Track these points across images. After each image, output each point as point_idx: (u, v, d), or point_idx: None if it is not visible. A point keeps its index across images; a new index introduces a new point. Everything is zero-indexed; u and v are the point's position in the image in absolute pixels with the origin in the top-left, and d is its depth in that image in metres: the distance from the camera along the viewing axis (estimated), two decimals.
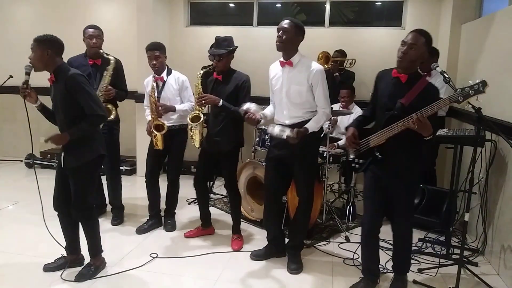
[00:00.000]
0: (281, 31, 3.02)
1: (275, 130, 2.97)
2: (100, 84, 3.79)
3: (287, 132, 2.92)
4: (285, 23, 3.02)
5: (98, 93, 3.74)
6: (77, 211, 2.98)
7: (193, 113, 3.48)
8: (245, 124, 3.61)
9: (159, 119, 3.69)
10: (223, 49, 3.38)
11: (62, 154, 2.94)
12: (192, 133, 3.54)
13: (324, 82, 3.09)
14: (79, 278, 2.98)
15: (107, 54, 3.91)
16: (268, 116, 3.29)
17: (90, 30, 3.86)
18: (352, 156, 2.84)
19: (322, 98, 3.09)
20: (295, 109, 3.13)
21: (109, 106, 3.78)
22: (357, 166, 2.84)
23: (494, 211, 3.42)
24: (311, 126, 3.06)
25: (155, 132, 3.71)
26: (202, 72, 3.47)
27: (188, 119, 3.49)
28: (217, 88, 3.45)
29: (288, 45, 3.04)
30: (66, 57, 3.95)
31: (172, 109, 3.73)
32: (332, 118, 4.40)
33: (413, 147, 2.66)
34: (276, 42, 3.04)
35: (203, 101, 3.38)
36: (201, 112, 3.49)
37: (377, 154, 2.73)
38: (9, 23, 6.52)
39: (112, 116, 3.76)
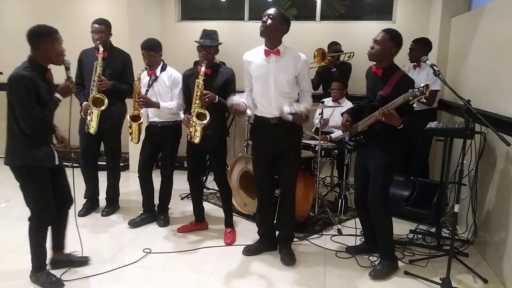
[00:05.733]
0: (266, 17, 3.05)
1: (287, 109, 2.96)
2: (93, 75, 3.78)
3: (300, 108, 2.96)
4: (271, 10, 3.06)
5: (92, 83, 3.76)
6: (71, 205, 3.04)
7: (198, 110, 3.36)
8: (237, 118, 3.63)
9: (139, 110, 3.71)
10: (215, 41, 3.43)
11: (55, 151, 2.87)
12: (195, 130, 3.41)
13: (309, 70, 3.24)
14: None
15: (112, 47, 4.02)
16: (247, 104, 3.24)
17: (94, 25, 3.91)
18: (347, 138, 3.25)
19: (308, 83, 3.25)
20: (282, 99, 3.12)
21: (100, 96, 3.71)
22: (349, 147, 3.24)
23: (484, 202, 3.46)
24: (307, 106, 3.11)
25: (131, 122, 3.72)
26: (203, 69, 3.42)
27: (194, 117, 3.36)
28: (206, 83, 3.41)
29: (272, 31, 3.05)
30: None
31: (156, 105, 3.70)
32: (324, 118, 4.42)
33: (390, 133, 2.95)
34: (260, 27, 3.06)
35: (206, 99, 3.34)
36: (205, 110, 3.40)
37: (361, 137, 3.11)
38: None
39: (103, 107, 3.70)
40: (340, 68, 5.21)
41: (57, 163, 2.86)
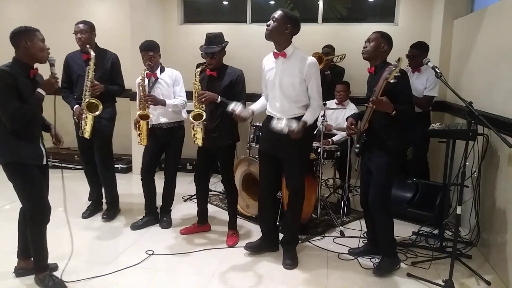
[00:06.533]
0: (270, 20, 3.06)
1: (280, 124, 2.94)
2: (85, 80, 3.77)
3: (292, 126, 2.93)
4: (276, 13, 3.06)
5: (85, 88, 3.74)
6: None
7: (194, 111, 3.40)
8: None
9: (145, 109, 3.70)
10: (216, 46, 3.40)
11: (44, 151, 2.87)
12: (194, 132, 3.45)
13: (317, 75, 3.14)
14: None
15: (98, 48, 3.95)
16: (257, 110, 3.33)
17: (77, 25, 3.87)
18: (355, 143, 3.29)
19: (315, 90, 3.14)
20: (287, 103, 3.13)
21: (94, 101, 3.72)
22: (356, 150, 3.23)
23: (487, 204, 3.45)
24: (309, 119, 3.10)
25: (140, 120, 3.70)
26: (199, 70, 3.45)
27: (191, 118, 3.41)
28: (212, 85, 3.45)
29: (274, 34, 3.05)
30: (60, 54, 4.01)
31: (162, 103, 3.70)
32: (327, 123, 4.39)
33: (388, 129, 3.05)
34: (265, 31, 3.08)
35: (203, 99, 3.35)
36: (203, 110, 3.42)
37: (364, 135, 3.14)
38: (1, 21, 6.48)
39: (97, 112, 3.71)
40: (333, 71, 5.23)
41: (44, 162, 2.87)
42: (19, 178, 2.76)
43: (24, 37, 2.67)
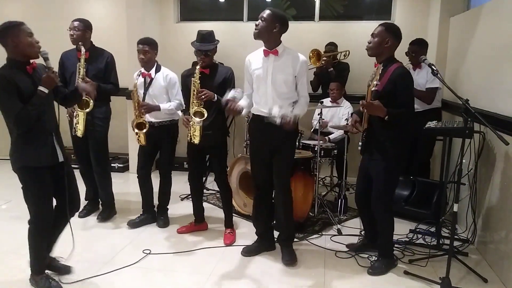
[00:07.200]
0: (259, 20, 3.05)
1: (275, 110, 2.97)
2: (76, 77, 3.73)
3: (287, 115, 2.93)
4: (264, 12, 3.05)
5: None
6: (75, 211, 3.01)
7: (195, 109, 3.37)
8: (237, 118, 3.61)
9: (141, 117, 3.67)
10: (211, 44, 3.41)
11: (58, 148, 2.79)
12: (193, 130, 3.42)
13: (307, 72, 3.20)
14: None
15: (94, 47, 3.94)
16: (245, 108, 3.24)
17: (72, 22, 3.84)
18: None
19: (305, 87, 3.19)
20: (279, 99, 3.12)
21: (85, 98, 3.58)
22: (359, 148, 3.17)
23: (484, 202, 3.46)
24: (299, 113, 3.11)
25: (137, 131, 3.68)
26: (198, 67, 3.44)
27: (192, 115, 3.37)
28: (204, 82, 3.42)
29: (263, 33, 3.03)
30: (57, 53, 4.00)
31: (157, 109, 3.68)
32: (323, 121, 4.40)
33: (386, 131, 2.97)
34: (254, 30, 3.06)
35: (203, 97, 3.34)
36: (203, 108, 3.39)
37: (363, 135, 3.09)
38: None
39: (88, 109, 3.64)
40: (337, 68, 5.21)
41: (61, 160, 2.79)
42: (28, 181, 2.70)
43: (9, 35, 2.56)
